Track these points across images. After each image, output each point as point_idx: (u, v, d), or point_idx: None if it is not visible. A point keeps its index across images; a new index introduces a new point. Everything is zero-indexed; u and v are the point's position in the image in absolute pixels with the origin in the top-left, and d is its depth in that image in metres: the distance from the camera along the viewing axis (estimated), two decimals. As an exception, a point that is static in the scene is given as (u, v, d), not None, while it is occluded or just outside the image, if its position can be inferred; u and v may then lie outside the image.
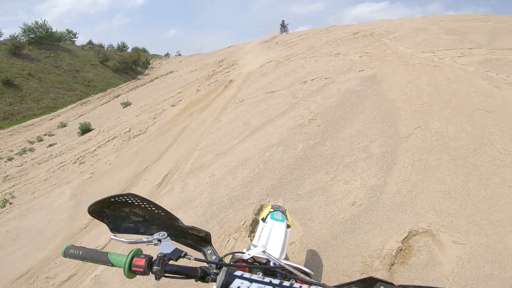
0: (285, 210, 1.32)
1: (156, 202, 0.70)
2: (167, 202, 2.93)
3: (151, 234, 0.66)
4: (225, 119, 4.76)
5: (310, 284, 0.57)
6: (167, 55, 39.27)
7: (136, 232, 0.73)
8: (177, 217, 0.71)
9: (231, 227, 2.35)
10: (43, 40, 22.59)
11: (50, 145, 9.42)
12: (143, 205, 0.70)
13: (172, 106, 8.09)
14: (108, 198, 0.68)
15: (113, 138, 7.12)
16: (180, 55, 35.41)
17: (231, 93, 6.89)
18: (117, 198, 0.68)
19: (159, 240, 0.63)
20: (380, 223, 2.07)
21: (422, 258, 1.81)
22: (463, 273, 1.68)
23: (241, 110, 4.92)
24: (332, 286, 0.57)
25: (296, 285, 0.54)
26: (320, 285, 0.58)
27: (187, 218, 2.59)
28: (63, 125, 12.72)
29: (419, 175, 2.38)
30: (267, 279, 0.54)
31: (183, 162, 4.01)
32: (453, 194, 2.14)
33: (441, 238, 1.88)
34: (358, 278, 0.59)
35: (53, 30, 23.77)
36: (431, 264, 1.77)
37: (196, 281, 0.59)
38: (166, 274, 0.57)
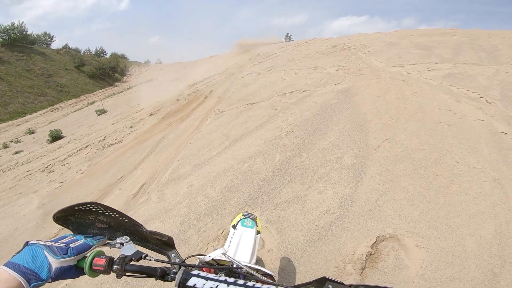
0: (256, 217, 1.38)
1: (132, 212, 0.74)
2: (143, 212, 2.87)
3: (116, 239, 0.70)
4: (205, 130, 4.77)
5: (265, 283, 0.62)
6: (147, 62, 38.70)
7: None
8: (141, 223, 0.75)
9: (209, 236, 2.36)
10: (16, 42, 21.66)
11: (16, 152, 8.89)
12: (107, 213, 0.73)
13: (151, 115, 7.97)
14: (72, 207, 0.70)
15: (86, 147, 6.86)
16: (160, 62, 35.03)
17: (212, 103, 6.93)
18: (80, 207, 0.71)
19: (122, 244, 0.68)
20: (351, 230, 2.17)
21: (390, 262, 1.92)
22: (427, 275, 1.79)
23: (221, 121, 4.97)
24: (290, 286, 0.62)
25: (250, 283, 0.59)
26: (277, 285, 0.62)
27: (165, 227, 2.55)
28: (32, 132, 12.09)
29: (386, 184, 2.54)
30: (222, 278, 0.59)
31: (160, 172, 3.96)
32: (416, 201, 2.30)
33: (406, 243, 2.01)
34: (314, 279, 0.65)
35: (28, 33, 22.87)
36: (398, 268, 1.88)
37: (156, 280, 0.64)
38: (127, 274, 0.62)
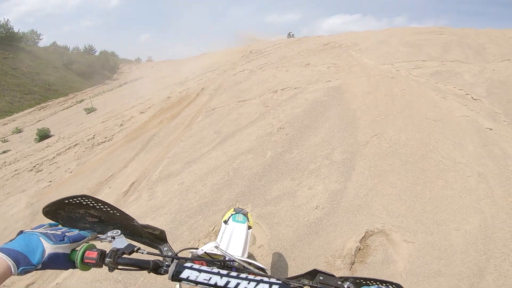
0: (247, 212, 1.38)
1: (122, 210, 0.73)
2: (134, 209, 2.85)
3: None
4: (196, 127, 4.74)
5: (257, 275, 0.62)
6: (138, 60, 38.14)
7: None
8: (133, 217, 0.75)
9: (200, 233, 2.35)
10: (2, 41, 21.15)
11: (4, 152, 8.65)
12: (97, 206, 0.72)
13: (141, 113, 7.86)
14: (62, 200, 0.69)
15: (75, 145, 6.72)
16: (151, 60, 34.57)
17: (203, 101, 6.88)
18: (71, 200, 0.70)
19: (113, 237, 0.67)
20: (340, 225, 2.20)
21: (378, 256, 1.96)
22: (414, 270, 1.83)
23: (212, 118, 4.94)
24: (283, 279, 0.63)
25: (243, 275, 0.59)
26: (269, 277, 0.62)
27: (156, 225, 2.50)
28: (19, 131, 11.79)
29: (374, 180, 2.58)
30: (215, 270, 0.60)
31: (151, 170, 3.92)
32: (403, 196, 2.35)
33: (393, 237, 2.05)
34: (306, 271, 0.66)
35: (14, 30, 22.40)
36: (387, 262, 1.91)
37: (149, 273, 0.64)
38: (119, 267, 0.61)
